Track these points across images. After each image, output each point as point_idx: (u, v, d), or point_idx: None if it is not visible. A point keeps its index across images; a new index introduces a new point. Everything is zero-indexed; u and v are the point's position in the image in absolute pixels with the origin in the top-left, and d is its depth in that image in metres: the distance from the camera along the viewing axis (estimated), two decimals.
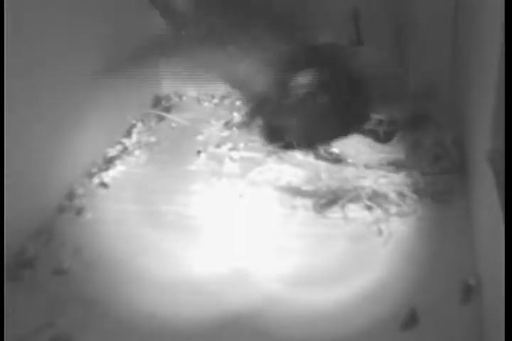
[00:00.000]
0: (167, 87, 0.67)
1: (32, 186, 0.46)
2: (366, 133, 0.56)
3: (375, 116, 0.58)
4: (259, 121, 0.57)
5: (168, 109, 0.65)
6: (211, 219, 0.49)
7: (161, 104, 0.66)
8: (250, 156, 0.56)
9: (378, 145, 0.56)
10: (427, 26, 0.58)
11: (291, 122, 0.54)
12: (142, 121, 0.63)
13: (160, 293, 0.42)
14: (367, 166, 0.53)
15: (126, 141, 0.59)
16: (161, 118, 0.63)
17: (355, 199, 0.50)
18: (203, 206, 0.50)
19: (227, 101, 0.66)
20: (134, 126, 0.62)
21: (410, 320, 0.39)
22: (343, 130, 0.55)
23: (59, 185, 0.51)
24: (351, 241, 0.46)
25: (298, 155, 0.56)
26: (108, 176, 0.54)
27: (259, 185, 0.52)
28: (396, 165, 0.53)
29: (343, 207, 0.49)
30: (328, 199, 0.50)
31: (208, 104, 0.66)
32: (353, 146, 0.56)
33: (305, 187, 0.52)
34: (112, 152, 0.58)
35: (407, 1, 0.58)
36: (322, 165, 0.54)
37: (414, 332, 0.38)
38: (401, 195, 0.50)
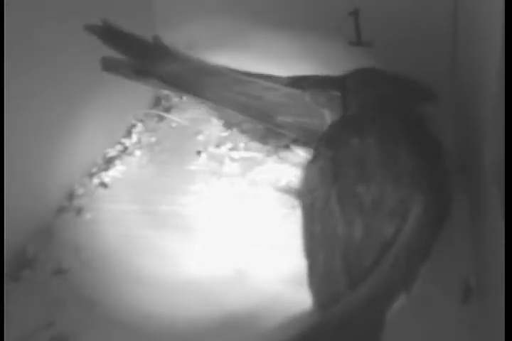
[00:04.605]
0: None
1: (32, 186, 0.46)
2: None
3: None
4: None
5: (168, 109, 0.64)
6: (211, 219, 0.49)
7: (161, 104, 0.66)
8: (250, 156, 0.56)
9: None
10: (427, 26, 0.58)
11: None
12: (142, 121, 0.62)
13: (159, 293, 0.42)
14: None
15: (126, 141, 0.59)
16: (161, 118, 0.63)
17: None
18: (202, 206, 0.50)
19: None
20: (134, 126, 0.61)
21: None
22: None
23: (59, 185, 0.51)
24: None
25: (298, 155, 0.55)
26: (108, 176, 0.54)
27: (259, 185, 0.52)
28: None
29: None
30: None
31: None
32: None
33: None
34: (112, 152, 0.58)
35: (407, 0, 0.58)
36: None
37: (414, 332, 0.38)
38: None
